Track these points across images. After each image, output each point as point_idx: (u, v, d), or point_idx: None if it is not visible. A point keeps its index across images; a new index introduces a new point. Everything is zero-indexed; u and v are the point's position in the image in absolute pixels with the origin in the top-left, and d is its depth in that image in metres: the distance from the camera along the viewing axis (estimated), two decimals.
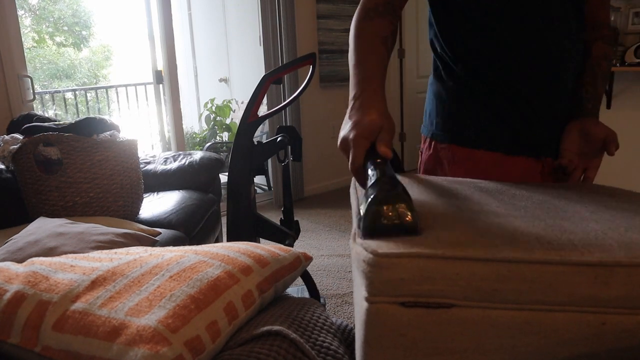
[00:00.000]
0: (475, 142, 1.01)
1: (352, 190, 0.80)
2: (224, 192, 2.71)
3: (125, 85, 4.98)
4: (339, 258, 2.87)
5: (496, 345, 0.51)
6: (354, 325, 0.83)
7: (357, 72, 0.84)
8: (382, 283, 0.50)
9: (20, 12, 7.43)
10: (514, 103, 0.99)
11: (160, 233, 1.86)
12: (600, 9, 1.07)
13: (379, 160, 0.67)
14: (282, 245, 1.04)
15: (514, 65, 0.98)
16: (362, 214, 0.56)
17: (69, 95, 5.45)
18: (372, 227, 0.54)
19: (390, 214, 0.55)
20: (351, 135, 0.72)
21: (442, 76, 1.06)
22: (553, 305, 0.50)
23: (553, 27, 0.96)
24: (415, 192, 0.75)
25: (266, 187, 4.34)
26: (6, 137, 1.93)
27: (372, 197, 0.56)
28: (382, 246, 0.51)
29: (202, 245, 0.98)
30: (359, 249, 0.53)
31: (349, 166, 0.72)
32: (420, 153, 1.14)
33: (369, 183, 0.61)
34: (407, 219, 0.54)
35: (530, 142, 1.01)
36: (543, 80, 0.98)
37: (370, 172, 0.64)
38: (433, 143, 1.08)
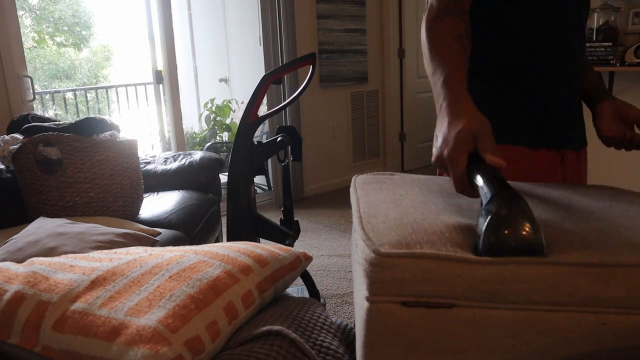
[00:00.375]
0: (499, 139, 1.05)
1: (352, 190, 0.80)
2: (224, 192, 2.71)
3: (125, 85, 4.98)
4: (339, 258, 2.87)
5: (497, 344, 0.51)
6: (354, 325, 0.83)
7: (435, 75, 0.79)
8: (384, 283, 0.50)
9: (20, 12, 7.43)
10: (537, 101, 1.05)
11: (160, 233, 1.86)
12: None
13: (489, 171, 0.60)
14: (282, 245, 1.04)
15: (537, 67, 1.04)
16: (482, 231, 0.52)
17: (69, 95, 5.45)
18: (494, 247, 0.50)
19: (515, 233, 0.50)
20: (445, 153, 0.66)
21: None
22: (554, 305, 0.50)
23: (570, 33, 1.05)
24: (415, 191, 0.75)
25: (266, 187, 4.34)
26: (6, 137, 1.93)
27: (493, 214, 0.51)
28: (384, 246, 0.51)
29: (202, 245, 0.98)
30: (361, 247, 0.53)
31: (454, 184, 0.65)
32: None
33: (484, 198, 0.55)
34: (533, 239, 0.50)
35: (550, 135, 1.07)
36: (561, 80, 1.06)
37: (481, 184, 0.58)
38: None
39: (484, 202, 0.55)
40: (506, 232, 0.51)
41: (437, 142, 0.69)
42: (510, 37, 1.03)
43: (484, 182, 0.58)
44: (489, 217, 0.52)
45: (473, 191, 0.62)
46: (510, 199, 0.53)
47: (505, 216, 0.51)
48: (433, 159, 0.70)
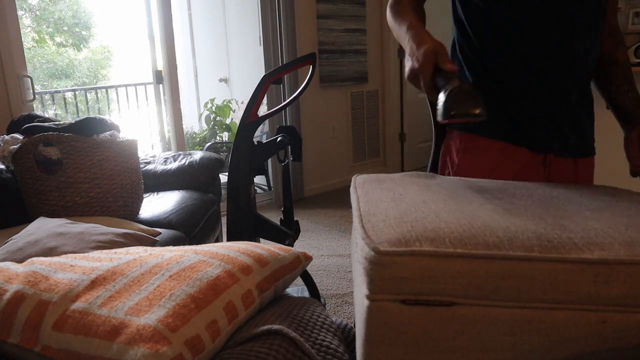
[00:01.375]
0: (481, 130, 1.09)
1: (352, 190, 0.80)
2: (224, 192, 2.71)
3: (125, 85, 4.98)
4: (338, 258, 2.87)
5: (497, 343, 0.51)
6: (354, 324, 0.83)
7: (401, 28, 1.00)
8: (384, 281, 0.50)
9: (20, 12, 7.42)
10: (518, 100, 1.06)
11: (160, 233, 1.86)
12: (612, 15, 1.15)
13: (448, 74, 0.81)
14: (282, 245, 1.04)
15: (523, 68, 1.05)
16: (442, 102, 0.73)
17: (69, 95, 5.45)
18: (448, 113, 0.71)
19: (465, 103, 0.71)
20: (416, 65, 0.86)
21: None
22: (554, 303, 0.50)
23: (575, 37, 1.03)
24: (414, 190, 0.75)
25: (266, 187, 4.34)
26: (6, 137, 1.93)
27: (449, 90, 0.72)
28: (384, 244, 0.51)
29: (202, 245, 0.98)
30: (361, 246, 0.53)
31: (422, 87, 0.85)
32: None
33: (445, 88, 0.76)
34: (478, 105, 0.71)
35: (531, 135, 1.07)
36: (552, 85, 1.05)
37: (442, 82, 0.79)
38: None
39: (445, 90, 0.76)
40: (458, 101, 0.72)
41: (408, 62, 0.89)
42: (498, 39, 1.06)
43: (444, 79, 0.79)
44: (447, 92, 0.73)
45: (436, 92, 0.81)
46: (462, 82, 0.75)
47: (457, 91, 0.73)
48: (406, 75, 0.89)
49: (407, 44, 0.94)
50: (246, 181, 2.02)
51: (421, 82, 0.85)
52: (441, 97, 0.74)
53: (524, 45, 1.04)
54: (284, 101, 2.44)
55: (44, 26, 7.99)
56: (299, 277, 1.22)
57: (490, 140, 1.09)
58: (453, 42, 1.19)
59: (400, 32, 1.01)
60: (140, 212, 2.11)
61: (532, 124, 1.07)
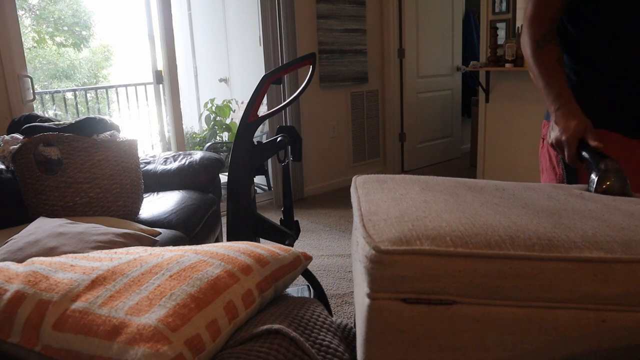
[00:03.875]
0: (595, 124, 1.13)
1: (352, 190, 0.80)
2: (224, 192, 2.71)
3: (125, 86, 4.98)
4: (338, 258, 2.87)
5: (497, 341, 0.51)
6: (354, 324, 0.83)
7: (550, 89, 1.10)
8: (385, 279, 0.50)
9: (20, 12, 7.43)
10: (633, 95, 1.13)
11: (160, 233, 1.86)
12: None
13: (595, 149, 0.96)
14: (282, 245, 1.04)
15: (629, 62, 1.11)
16: (596, 179, 0.88)
17: (69, 95, 5.45)
18: (601, 188, 0.85)
19: (615, 182, 0.86)
20: (563, 137, 1.02)
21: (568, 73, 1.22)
22: (554, 302, 0.50)
23: None
24: (415, 190, 0.75)
25: (266, 187, 4.34)
26: (6, 137, 1.93)
27: (602, 169, 0.88)
28: (385, 242, 0.51)
29: (202, 245, 0.98)
30: (362, 245, 0.53)
31: (566, 158, 1.02)
32: (541, 140, 1.28)
33: (594, 164, 0.91)
34: (624, 186, 0.86)
35: None
36: None
37: (591, 157, 0.94)
38: (544, 124, 1.23)
39: (593, 167, 0.91)
40: (608, 183, 0.86)
41: (555, 131, 1.05)
42: (608, 39, 1.11)
43: (591, 155, 0.96)
44: (600, 171, 0.88)
45: (580, 163, 0.99)
46: (609, 162, 0.89)
47: (610, 171, 0.88)
48: (552, 141, 1.05)
49: (556, 112, 1.06)
50: (246, 181, 2.02)
51: (566, 152, 1.01)
52: (594, 176, 0.89)
53: (625, 35, 1.09)
54: (284, 101, 2.44)
55: (44, 26, 7.99)
56: (303, 278, 1.23)
57: (604, 132, 1.11)
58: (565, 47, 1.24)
59: (547, 93, 1.11)
60: (140, 212, 2.11)
61: None
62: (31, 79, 2.74)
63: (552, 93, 1.09)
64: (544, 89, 1.12)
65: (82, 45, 8.32)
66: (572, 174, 1.16)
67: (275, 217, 2.24)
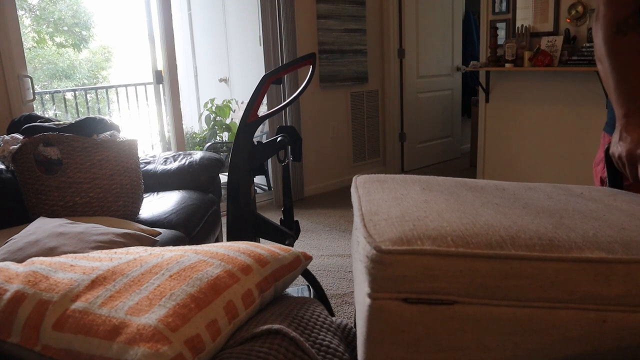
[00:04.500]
0: None
1: (353, 190, 0.80)
2: (224, 192, 2.71)
3: (125, 86, 4.98)
4: (338, 258, 2.87)
5: (498, 342, 0.51)
6: (354, 324, 0.83)
7: (622, 89, 0.91)
8: (385, 279, 0.50)
9: (20, 12, 7.43)
10: None
11: (160, 233, 1.86)
12: None
13: None
14: (282, 245, 1.04)
15: None
16: None
17: (69, 95, 5.45)
18: None
19: None
20: (638, 150, 0.86)
21: None
22: (554, 302, 0.50)
23: None
24: (416, 190, 0.75)
25: (266, 187, 4.34)
26: (6, 137, 1.93)
27: None
28: (385, 242, 0.51)
29: (202, 245, 0.98)
30: (363, 244, 0.53)
31: (631, 177, 0.87)
32: (599, 156, 1.19)
33: None
34: None
35: None
36: None
37: None
38: (604, 136, 1.12)
39: None
40: None
41: (626, 142, 0.89)
42: None
43: None
44: None
45: None
46: None
47: None
48: (624, 153, 0.89)
49: (623, 116, 0.90)
50: (246, 181, 2.02)
51: (639, 166, 0.87)
52: None
53: None
54: (284, 101, 2.44)
55: (44, 26, 7.99)
56: (305, 279, 1.22)
57: None
58: None
59: (617, 92, 0.93)
60: (140, 212, 2.11)
61: None
62: (31, 79, 2.74)
63: (625, 93, 0.91)
64: (614, 87, 0.92)
65: (82, 46, 8.32)
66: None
67: (275, 217, 2.24)
